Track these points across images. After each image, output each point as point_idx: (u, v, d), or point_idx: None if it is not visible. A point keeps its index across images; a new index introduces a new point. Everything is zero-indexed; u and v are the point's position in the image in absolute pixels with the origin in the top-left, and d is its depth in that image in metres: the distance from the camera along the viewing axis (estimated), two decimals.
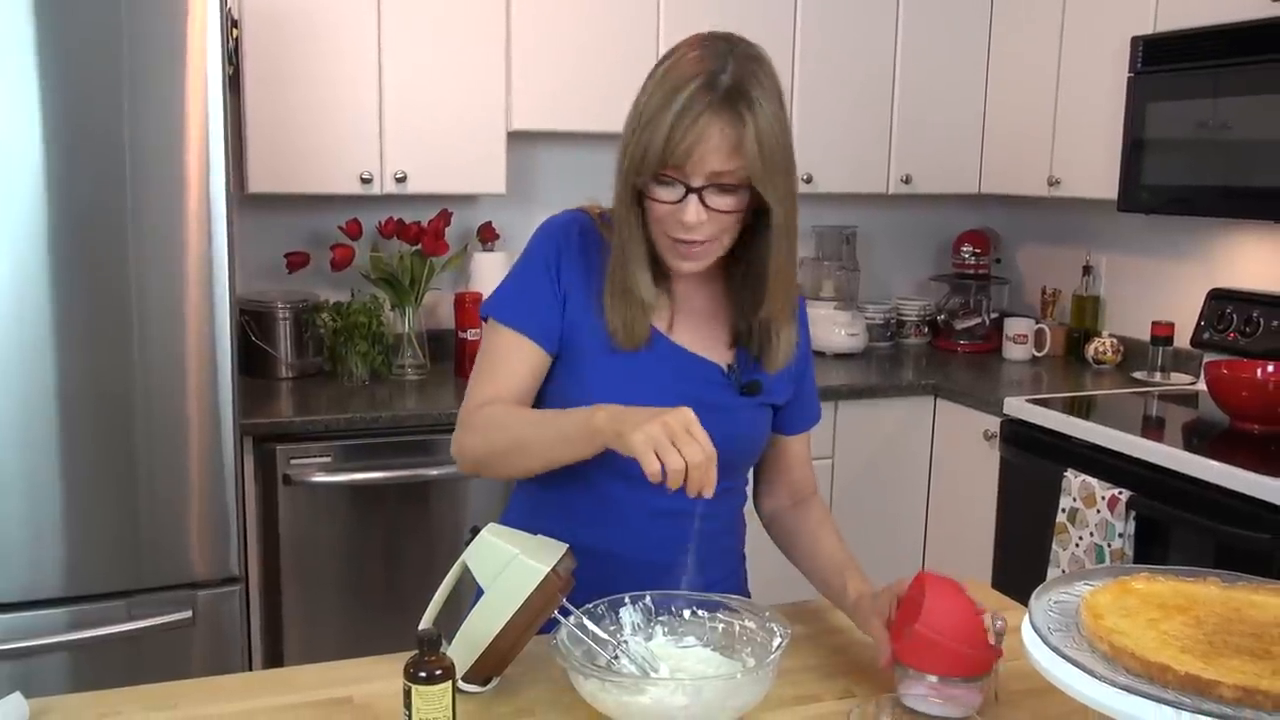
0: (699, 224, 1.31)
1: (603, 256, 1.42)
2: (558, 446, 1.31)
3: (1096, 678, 0.93)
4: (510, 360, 1.41)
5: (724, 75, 1.28)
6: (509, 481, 1.55)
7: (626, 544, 1.42)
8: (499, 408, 1.39)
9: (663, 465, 1.16)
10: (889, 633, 1.25)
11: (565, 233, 1.45)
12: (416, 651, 1.13)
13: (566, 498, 1.44)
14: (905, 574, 1.36)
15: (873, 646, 1.40)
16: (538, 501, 1.49)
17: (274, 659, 2.67)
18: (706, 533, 1.47)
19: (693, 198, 1.30)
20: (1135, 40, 2.87)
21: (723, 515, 1.51)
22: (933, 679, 1.16)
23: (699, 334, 1.45)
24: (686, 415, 1.19)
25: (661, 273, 1.42)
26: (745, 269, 1.43)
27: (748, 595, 1.58)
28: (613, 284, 1.40)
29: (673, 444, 1.16)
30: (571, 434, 1.28)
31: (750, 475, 1.58)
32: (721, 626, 1.29)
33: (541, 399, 1.47)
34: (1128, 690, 0.91)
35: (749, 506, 1.60)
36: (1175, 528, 2.42)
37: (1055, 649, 0.98)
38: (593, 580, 1.31)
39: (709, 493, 1.18)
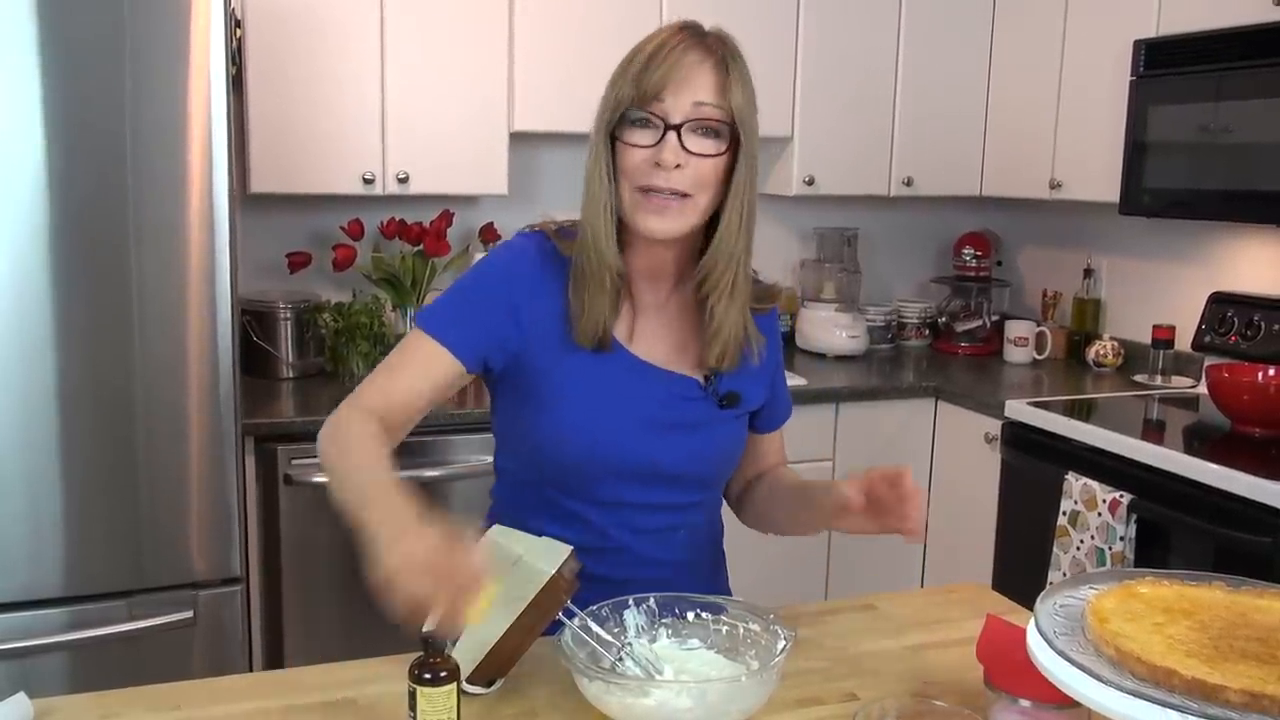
0: (675, 167, 1.27)
1: (561, 270, 1.38)
2: (348, 508, 1.23)
3: (1103, 682, 0.93)
4: (417, 366, 1.36)
5: (704, 29, 1.33)
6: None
7: (608, 565, 1.39)
8: (367, 438, 1.29)
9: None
10: (979, 657, 1.20)
11: (525, 257, 1.40)
12: (421, 653, 1.12)
13: (545, 525, 1.38)
14: (906, 576, 1.36)
15: (876, 651, 1.41)
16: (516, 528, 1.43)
17: (275, 659, 2.67)
18: (691, 544, 1.48)
19: (671, 135, 1.27)
20: (1137, 43, 2.87)
21: (705, 525, 1.52)
22: (1025, 704, 1.11)
23: (667, 347, 1.41)
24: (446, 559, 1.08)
25: (625, 280, 1.38)
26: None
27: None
28: (576, 273, 1.36)
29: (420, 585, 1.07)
30: (360, 514, 1.21)
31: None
32: (725, 629, 1.28)
33: (507, 416, 1.45)
34: (1134, 695, 0.91)
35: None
36: (1176, 531, 2.42)
37: (1061, 653, 0.98)
38: (585, 603, 1.28)
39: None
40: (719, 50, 1.30)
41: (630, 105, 1.29)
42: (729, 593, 1.57)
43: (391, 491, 1.21)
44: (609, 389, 1.38)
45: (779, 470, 1.58)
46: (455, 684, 1.13)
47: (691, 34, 1.31)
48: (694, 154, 1.28)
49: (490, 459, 1.57)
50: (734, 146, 1.31)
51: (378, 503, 1.21)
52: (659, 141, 1.28)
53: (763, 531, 1.57)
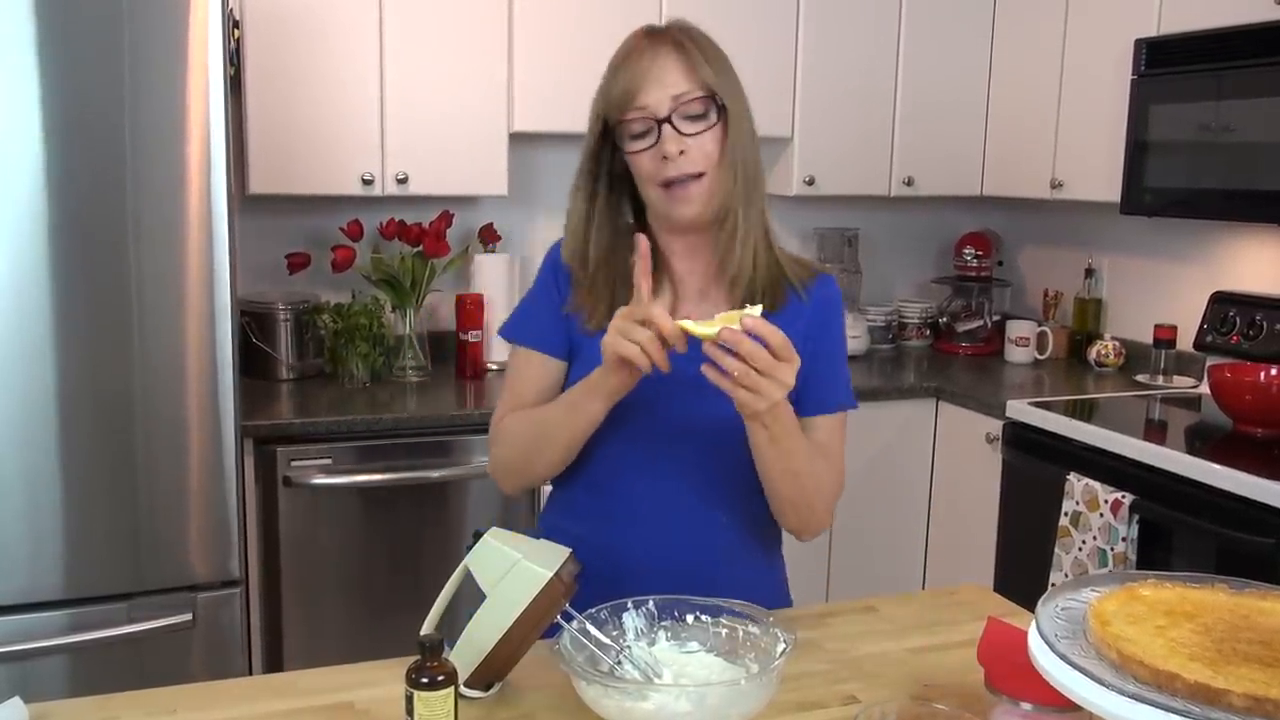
0: (679, 153, 1.37)
1: None
2: (568, 417, 1.39)
3: (1105, 686, 0.92)
4: (526, 375, 1.50)
5: (662, 27, 1.44)
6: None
7: (651, 547, 1.45)
8: (516, 413, 1.48)
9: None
10: (980, 660, 1.18)
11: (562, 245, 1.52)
12: (418, 656, 1.12)
13: (594, 501, 1.48)
14: (907, 578, 1.35)
15: (876, 654, 1.41)
16: (569, 506, 1.53)
17: (274, 662, 2.66)
18: (729, 531, 1.49)
19: (665, 127, 1.37)
20: (1138, 42, 2.87)
21: (743, 513, 1.49)
22: (1027, 707, 1.11)
23: (702, 316, 1.42)
24: (626, 310, 1.28)
25: (662, 265, 1.46)
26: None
27: (787, 597, 1.60)
28: (574, 278, 1.49)
29: (625, 338, 1.25)
30: (576, 398, 1.38)
31: None
32: (725, 632, 1.28)
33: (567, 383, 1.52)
34: (1136, 699, 0.90)
35: None
36: (1178, 531, 2.41)
37: (1063, 656, 0.97)
38: (617, 580, 1.33)
39: (679, 345, 1.25)
40: (675, 38, 1.40)
41: (611, 118, 1.40)
42: (784, 594, 1.60)
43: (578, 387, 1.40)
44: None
45: None
46: (453, 688, 1.12)
47: (648, 35, 1.42)
48: (690, 135, 1.38)
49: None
50: (722, 115, 1.41)
51: (568, 395, 1.41)
52: (657, 139, 1.38)
53: (777, 516, 1.50)
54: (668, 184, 1.40)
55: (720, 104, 1.39)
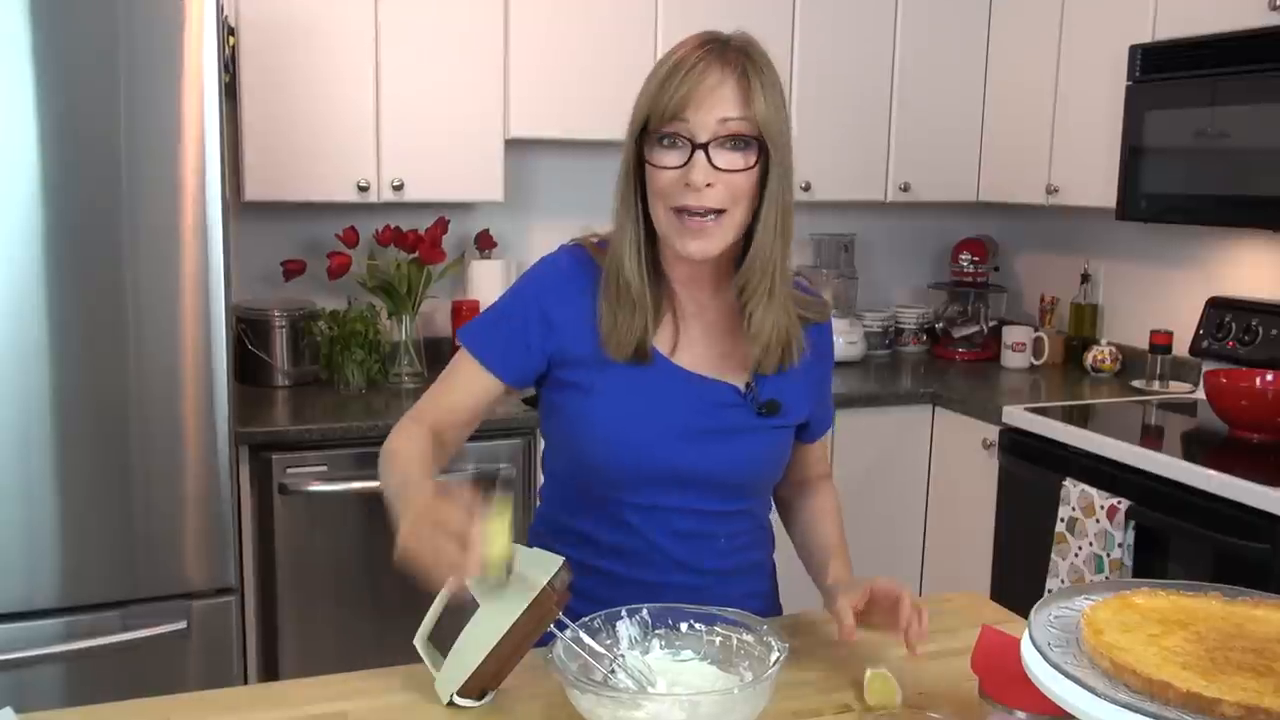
0: (707, 185, 1.27)
1: (596, 279, 1.40)
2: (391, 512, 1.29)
3: (1097, 694, 0.92)
4: (460, 384, 1.43)
5: (727, 38, 1.30)
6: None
7: (648, 570, 1.43)
8: (410, 444, 1.36)
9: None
10: (973, 668, 1.20)
11: (555, 268, 1.43)
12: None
13: (587, 527, 1.45)
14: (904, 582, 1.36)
15: (871, 661, 1.40)
16: (559, 530, 1.49)
17: (269, 670, 2.66)
18: (732, 552, 1.49)
19: (699, 154, 1.26)
20: (1134, 49, 2.87)
21: (748, 532, 1.52)
22: (1020, 715, 1.12)
23: (709, 354, 1.42)
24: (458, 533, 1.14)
25: (665, 288, 1.40)
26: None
27: (779, 608, 1.60)
28: (606, 288, 1.38)
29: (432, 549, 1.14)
30: (394, 512, 1.26)
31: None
32: (719, 640, 1.27)
33: (550, 419, 1.47)
34: (1129, 708, 0.90)
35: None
36: (1174, 537, 2.41)
37: (1055, 665, 0.97)
38: (614, 604, 1.31)
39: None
40: (739, 63, 1.28)
41: (650, 124, 1.29)
42: (778, 608, 1.60)
43: (417, 484, 1.27)
44: (643, 397, 1.39)
45: (821, 505, 1.58)
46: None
47: (712, 49, 1.29)
48: (724, 170, 1.28)
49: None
50: (763, 156, 1.30)
51: (404, 495, 1.27)
52: (687, 161, 1.27)
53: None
54: (681, 210, 1.29)
55: (764, 145, 1.29)
